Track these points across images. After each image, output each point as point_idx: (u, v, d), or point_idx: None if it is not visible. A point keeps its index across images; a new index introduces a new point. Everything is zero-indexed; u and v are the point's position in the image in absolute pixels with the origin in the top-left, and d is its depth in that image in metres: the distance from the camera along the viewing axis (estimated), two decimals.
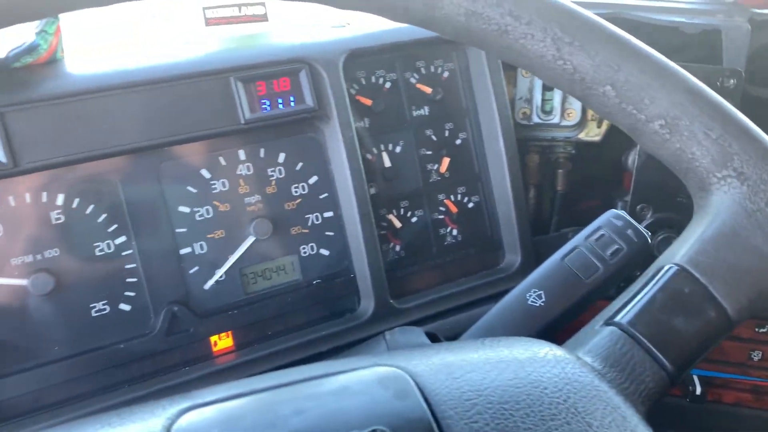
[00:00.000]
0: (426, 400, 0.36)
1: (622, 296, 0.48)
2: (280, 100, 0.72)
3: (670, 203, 0.83)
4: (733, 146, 0.45)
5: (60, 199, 0.67)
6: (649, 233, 0.64)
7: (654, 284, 0.46)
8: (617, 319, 0.45)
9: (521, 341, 0.43)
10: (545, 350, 0.42)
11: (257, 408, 0.35)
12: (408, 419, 0.35)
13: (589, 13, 0.46)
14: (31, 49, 0.62)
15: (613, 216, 0.64)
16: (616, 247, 0.62)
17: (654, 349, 0.42)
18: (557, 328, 0.61)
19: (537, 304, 0.61)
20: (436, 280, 0.84)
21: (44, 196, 0.66)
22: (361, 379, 0.38)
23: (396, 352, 0.42)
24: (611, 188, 1.01)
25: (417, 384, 0.37)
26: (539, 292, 0.61)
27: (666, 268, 0.46)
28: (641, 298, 0.45)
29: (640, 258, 0.62)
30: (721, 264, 0.45)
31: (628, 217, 0.64)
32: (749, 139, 0.45)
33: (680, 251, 0.47)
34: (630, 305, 0.45)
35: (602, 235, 0.63)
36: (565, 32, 0.46)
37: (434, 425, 0.34)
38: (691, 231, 0.48)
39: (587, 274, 0.61)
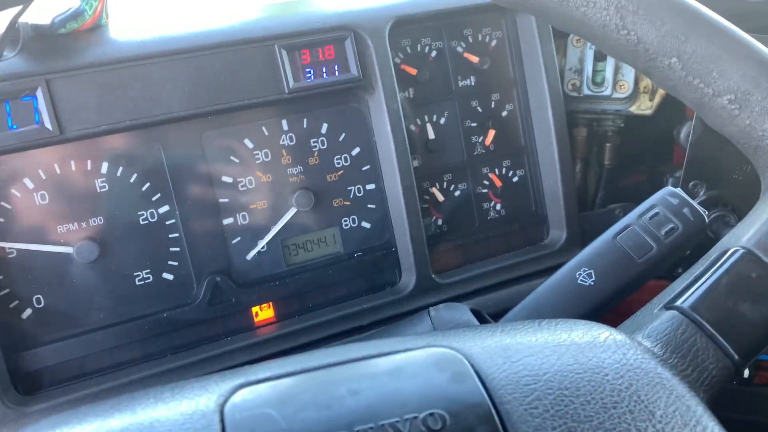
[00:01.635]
0: (483, 383, 0.35)
1: (681, 279, 0.46)
2: (324, 69, 0.70)
3: (724, 180, 0.80)
4: None
5: (104, 168, 0.66)
6: (706, 211, 0.62)
7: (718, 268, 0.43)
8: (678, 303, 0.43)
9: (579, 324, 0.42)
10: (605, 334, 0.40)
11: (311, 387, 0.35)
12: (466, 404, 0.34)
13: None
14: (77, 14, 0.62)
15: (669, 194, 0.62)
16: (671, 226, 0.60)
17: (719, 336, 0.41)
18: (607, 308, 0.59)
19: (587, 284, 0.59)
20: (478, 255, 0.82)
21: (89, 164, 0.66)
22: (416, 360, 0.36)
23: (449, 332, 0.41)
24: (659, 163, 0.98)
25: (473, 366, 0.36)
26: (589, 271, 0.60)
27: (731, 251, 0.44)
28: (704, 281, 0.43)
29: (697, 237, 0.60)
30: None
31: (685, 195, 0.61)
32: None
33: (747, 234, 0.44)
34: (692, 289, 0.43)
35: (656, 213, 0.61)
36: (630, 0, 0.43)
37: (493, 411, 0.33)
38: (759, 213, 0.45)
39: (640, 253, 0.59)
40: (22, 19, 0.58)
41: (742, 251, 0.43)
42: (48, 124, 0.61)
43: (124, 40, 0.65)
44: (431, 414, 0.33)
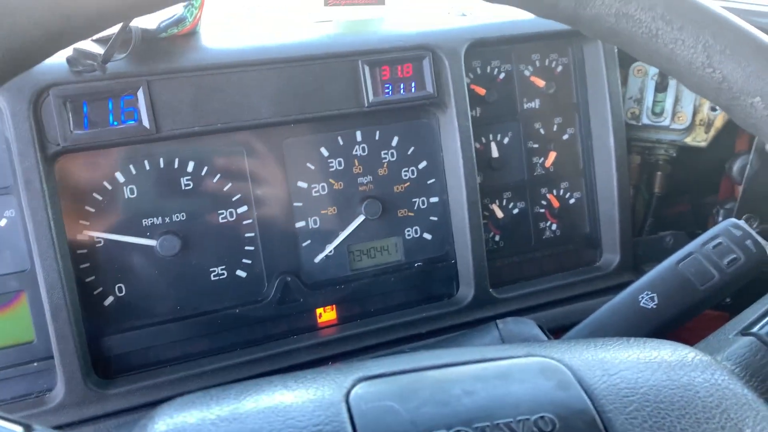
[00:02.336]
0: (586, 392, 0.37)
1: (754, 307, 0.48)
2: (402, 85, 0.74)
3: None
4: None
5: (190, 167, 0.70)
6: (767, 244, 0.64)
7: None
8: (755, 329, 0.45)
9: (665, 343, 0.44)
10: (692, 354, 0.42)
11: (427, 385, 0.37)
12: (573, 410, 0.36)
13: (742, 22, 0.45)
14: (179, 21, 0.65)
15: (732, 225, 0.64)
16: (734, 256, 0.62)
17: None
18: (667, 331, 0.62)
19: (649, 307, 0.61)
20: (532, 272, 0.85)
21: (176, 163, 0.69)
22: (521, 367, 0.39)
23: (544, 344, 0.43)
24: (704, 195, 1.00)
25: (575, 376, 0.38)
26: (652, 295, 0.62)
27: None
28: None
29: (757, 269, 0.62)
30: None
31: (748, 228, 0.64)
32: None
33: None
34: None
35: (719, 243, 0.63)
36: (717, 40, 0.46)
37: (597, 418, 0.36)
38: None
39: (702, 280, 0.61)
40: (132, 23, 0.62)
41: None
42: (146, 123, 0.65)
43: (217, 47, 0.69)
44: (542, 417, 0.35)
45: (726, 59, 0.46)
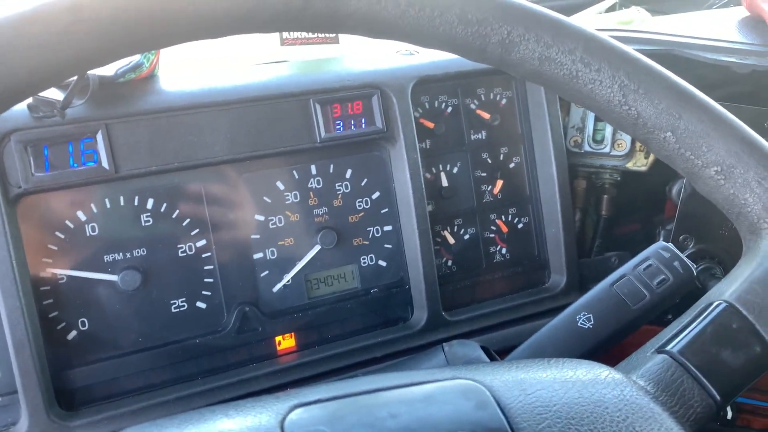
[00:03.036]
0: (503, 411, 0.41)
1: (671, 326, 0.52)
2: (352, 122, 0.78)
3: (712, 235, 0.87)
4: None
5: (150, 203, 0.73)
6: (694, 265, 0.69)
7: (704, 318, 0.50)
8: (669, 348, 0.49)
9: (583, 363, 0.48)
10: (606, 373, 0.46)
11: (356, 410, 0.41)
12: (489, 428, 0.40)
13: (654, 63, 0.50)
14: (136, 67, 0.69)
15: (661, 248, 0.68)
16: (663, 277, 0.66)
17: (703, 378, 0.47)
18: (604, 350, 0.66)
19: (586, 327, 0.65)
20: (484, 295, 0.89)
21: (136, 200, 0.72)
22: (445, 389, 0.43)
23: (471, 367, 0.47)
24: (652, 215, 1.05)
25: (494, 397, 0.42)
26: (588, 315, 0.66)
27: (716, 303, 0.50)
28: (691, 330, 0.49)
29: (685, 288, 0.67)
30: None
31: (675, 250, 0.68)
32: None
33: (729, 289, 0.51)
34: (681, 336, 0.49)
35: (650, 265, 0.67)
36: (632, 80, 0.50)
37: None
38: (741, 271, 0.52)
39: (635, 300, 0.65)
40: (90, 71, 0.65)
41: (725, 305, 0.50)
42: (105, 164, 0.68)
43: (174, 90, 0.73)
44: None
45: (640, 98, 0.50)
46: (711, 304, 0.50)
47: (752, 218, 0.51)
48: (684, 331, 0.50)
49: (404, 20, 0.46)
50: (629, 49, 0.50)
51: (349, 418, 0.40)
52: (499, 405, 0.41)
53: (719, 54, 0.91)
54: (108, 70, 0.68)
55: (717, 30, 0.97)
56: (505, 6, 0.48)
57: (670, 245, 0.68)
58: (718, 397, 0.46)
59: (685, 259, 0.67)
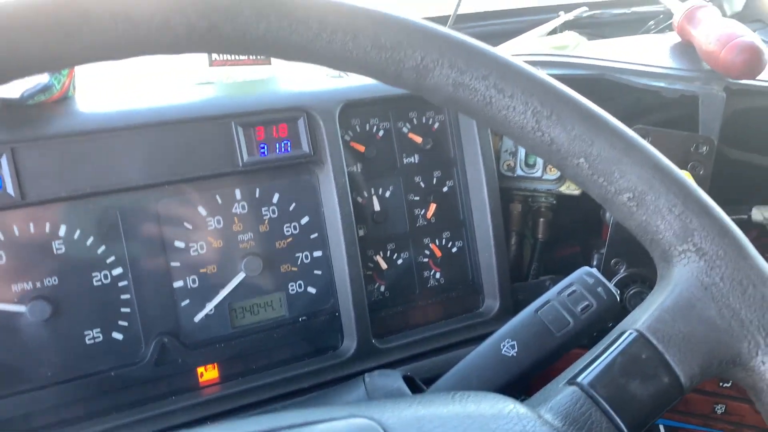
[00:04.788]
0: None
1: (585, 356, 0.51)
2: (277, 145, 0.76)
3: (642, 259, 0.87)
4: (693, 222, 0.48)
5: (62, 231, 0.70)
6: (618, 291, 0.68)
7: (615, 348, 0.49)
8: (579, 379, 0.48)
9: (489, 397, 0.47)
10: (510, 407, 0.45)
11: None
12: None
13: (568, 89, 0.49)
14: (45, 89, 0.66)
15: (586, 273, 0.68)
16: (587, 303, 0.66)
17: (611, 411, 0.46)
18: (529, 377, 0.65)
19: (510, 354, 0.64)
20: (417, 321, 0.87)
21: (47, 227, 0.69)
22: (340, 428, 0.41)
23: (371, 403, 0.45)
24: (589, 237, 1.06)
25: None
26: (513, 342, 0.65)
27: (627, 333, 0.50)
28: (602, 360, 0.49)
29: (610, 314, 0.66)
30: (677, 333, 0.48)
31: (599, 275, 0.68)
32: (708, 216, 0.49)
33: (642, 318, 0.50)
34: (592, 367, 0.48)
35: (574, 291, 0.67)
36: (545, 106, 0.49)
37: None
38: (653, 299, 0.51)
39: (558, 327, 0.65)
40: None
41: (635, 334, 0.49)
42: (10, 190, 0.65)
43: (87, 112, 0.70)
44: None
45: (552, 124, 0.50)
46: (623, 333, 0.50)
47: (664, 245, 0.51)
48: (595, 362, 0.49)
49: (317, 44, 0.45)
50: (543, 75, 0.50)
51: None
52: None
53: (648, 79, 0.92)
54: (13, 92, 0.65)
55: (649, 55, 0.98)
56: (418, 31, 0.47)
57: (594, 270, 0.68)
58: (625, 430, 0.45)
59: (609, 285, 0.67)
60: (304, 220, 0.81)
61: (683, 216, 0.49)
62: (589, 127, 0.49)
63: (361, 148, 0.84)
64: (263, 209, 0.79)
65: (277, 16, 0.42)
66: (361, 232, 0.83)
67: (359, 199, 0.84)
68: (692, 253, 0.49)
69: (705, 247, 0.49)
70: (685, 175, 0.50)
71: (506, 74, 0.49)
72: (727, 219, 0.49)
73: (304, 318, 0.81)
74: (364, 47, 0.46)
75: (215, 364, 0.77)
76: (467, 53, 0.48)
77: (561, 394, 0.48)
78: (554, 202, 0.97)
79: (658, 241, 0.51)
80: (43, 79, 0.66)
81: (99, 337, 0.72)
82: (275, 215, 0.80)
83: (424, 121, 0.87)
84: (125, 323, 0.73)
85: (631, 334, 0.49)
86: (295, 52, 0.46)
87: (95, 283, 0.71)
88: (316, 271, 0.82)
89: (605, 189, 0.51)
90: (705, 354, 0.48)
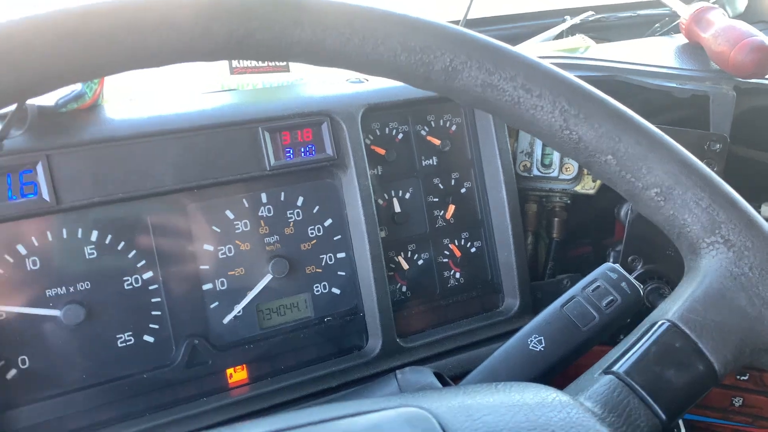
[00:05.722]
0: None
1: (618, 347, 0.52)
2: (302, 149, 0.77)
3: (659, 256, 0.89)
4: (721, 215, 0.50)
5: (94, 236, 0.71)
6: (641, 285, 0.70)
7: (648, 338, 0.50)
8: (615, 368, 0.49)
9: (530, 386, 0.48)
10: (552, 396, 0.46)
11: None
12: None
13: (593, 89, 0.51)
14: (78, 96, 0.67)
15: (609, 269, 0.69)
16: (611, 298, 0.67)
17: (648, 398, 0.47)
18: (556, 371, 0.66)
19: (537, 349, 0.66)
20: (439, 320, 0.89)
21: (80, 233, 0.70)
22: (390, 418, 0.42)
23: (419, 394, 0.47)
24: (603, 237, 1.07)
25: (440, 424, 0.42)
26: (540, 338, 0.66)
27: (659, 323, 0.51)
28: (637, 350, 0.50)
29: (633, 308, 0.68)
30: (709, 322, 0.50)
31: (623, 271, 0.69)
32: (735, 209, 0.50)
33: (672, 308, 0.52)
34: (626, 356, 0.50)
35: (598, 287, 0.68)
36: (572, 105, 0.51)
37: None
38: (683, 290, 0.53)
39: (584, 322, 0.66)
40: (29, 101, 0.64)
41: (668, 324, 0.50)
42: (46, 196, 0.66)
43: (118, 119, 0.71)
44: None
45: (580, 122, 0.51)
46: (655, 323, 0.51)
47: (691, 238, 0.52)
48: (629, 352, 0.50)
49: (348, 48, 0.47)
50: (570, 75, 0.51)
51: None
52: (444, 431, 0.41)
53: (660, 79, 0.94)
54: (48, 100, 0.67)
55: (658, 57, 1.00)
56: (447, 34, 0.49)
57: (617, 266, 0.69)
58: (663, 417, 0.47)
59: (632, 280, 0.68)
60: (328, 222, 0.82)
61: (710, 209, 0.50)
62: (615, 125, 0.51)
63: (382, 151, 0.85)
64: (288, 212, 0.80)
65: (311, 23, 0.44)
66: (383, 234, 0.85)
67: (380, 201, 0.85)
68: (720, 245, 0.51)
69: (733, 238, 0.50)
70: None
71: (534, 75, 0.50)
72: (753, 211, 0.51)
73: (329, 318, 0.82)
74: (394, 50, 0.48)
75: (244, 366, 0.78)
76: (495, 55, 0.50)
77: (598, 383, 0.49)
78: (569, 201, 0.99)
79: (686, 234, 0.52)
80: (76, 87, 0.67)
81: (131, 340, 0.73)
82: (300, 218, 0.81)
83: (441, 123, 0.89)
84: (156, 326, 0.74)
85: (663, 324, 0.51)
86: (327, 57, 0.47)
87: (126, 287, 0.72)
88: (339, 272, 0.83)
89: (633, 185, 0.52)
90: (737, 342, 0.50)
